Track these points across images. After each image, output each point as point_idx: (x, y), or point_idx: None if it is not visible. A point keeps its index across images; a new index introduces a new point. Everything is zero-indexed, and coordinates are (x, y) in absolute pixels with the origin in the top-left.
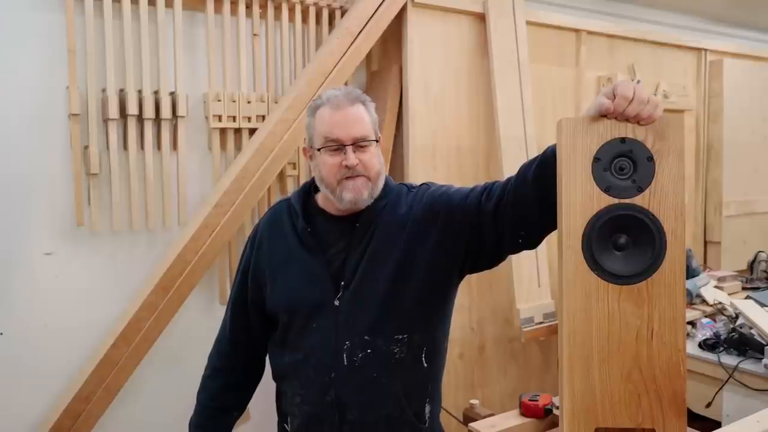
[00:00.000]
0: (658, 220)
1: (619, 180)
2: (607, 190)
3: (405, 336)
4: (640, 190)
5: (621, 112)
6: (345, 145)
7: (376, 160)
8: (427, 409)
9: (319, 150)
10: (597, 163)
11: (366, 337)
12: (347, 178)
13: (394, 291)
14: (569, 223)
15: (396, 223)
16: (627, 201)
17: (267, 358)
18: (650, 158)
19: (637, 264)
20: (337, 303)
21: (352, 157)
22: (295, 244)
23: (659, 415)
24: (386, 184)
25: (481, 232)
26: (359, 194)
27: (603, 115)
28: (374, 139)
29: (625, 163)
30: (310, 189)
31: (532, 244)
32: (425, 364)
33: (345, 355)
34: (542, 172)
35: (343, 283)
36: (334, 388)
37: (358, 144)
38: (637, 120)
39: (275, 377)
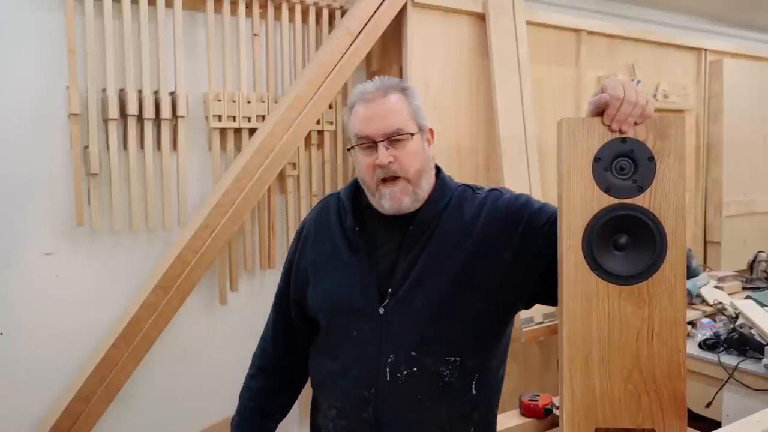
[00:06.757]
0: (659, 220)
1: (620, 180)
2: (607, 190)
3: (457, 359)
4: (641, 190)
5: (614, 113)
6: (376, 142)
7: (416, 156)
8: None
9: (350, 149)
10: (597, 162)
11: (413, 353)
12: (384, 181)
13: (450, 306)
14: (569, 223)
15: (458, 229)
16: (628, 201)
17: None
18: (651, 158)
19: (638, 264)
20: (382, 311)
21: (382, 155)
22: (341, 243)
23: (659, 415)
24: (445, 183)
25: None
26: (398, 203)
27: (601, 112)
28: (410, 132)
29: (625, 163)
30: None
31: None
32: (474, 392)
33: (388, 370)
34: None
35: (390, 290)
36: (372, 405)
37: (392, 139)
38: (634, 121)
39: (312, 384)
